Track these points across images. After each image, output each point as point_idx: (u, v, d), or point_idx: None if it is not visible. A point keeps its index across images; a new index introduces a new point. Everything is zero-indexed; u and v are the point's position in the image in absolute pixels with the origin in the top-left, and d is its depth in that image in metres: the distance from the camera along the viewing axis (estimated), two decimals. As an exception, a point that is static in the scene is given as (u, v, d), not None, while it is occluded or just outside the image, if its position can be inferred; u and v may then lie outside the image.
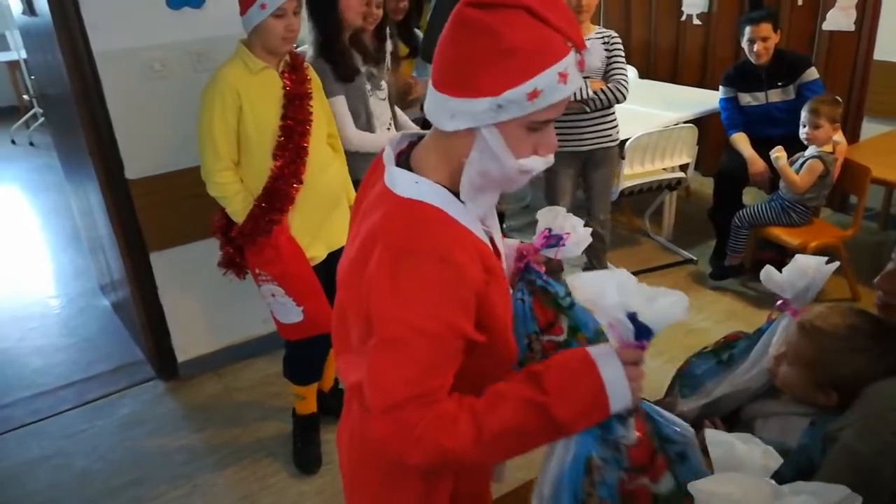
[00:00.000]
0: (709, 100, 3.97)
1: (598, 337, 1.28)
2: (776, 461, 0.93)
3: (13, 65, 7.09)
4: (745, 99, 3.52)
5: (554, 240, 1.30)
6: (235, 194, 2.17)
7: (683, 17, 4.80)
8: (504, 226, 4.13)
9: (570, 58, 0.92)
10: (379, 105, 2.60)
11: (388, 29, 2.88)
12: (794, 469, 1.25)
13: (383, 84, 2.64)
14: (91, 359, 3.24)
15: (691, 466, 0.97)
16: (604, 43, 3.07)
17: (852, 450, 1.11)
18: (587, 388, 0.94)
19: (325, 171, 2.28)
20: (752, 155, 3.44)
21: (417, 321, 0.93)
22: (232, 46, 2.17)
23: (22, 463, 2.63)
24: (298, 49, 2.43)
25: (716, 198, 3.68)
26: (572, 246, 1.34)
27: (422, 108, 3.19)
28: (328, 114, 2.36)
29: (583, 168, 3.26)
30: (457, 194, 1.02)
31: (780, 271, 1.39)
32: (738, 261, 3.50)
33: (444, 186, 1.02)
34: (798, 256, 1.38)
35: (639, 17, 5.10)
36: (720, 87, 3.64)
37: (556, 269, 3.31)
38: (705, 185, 4.45)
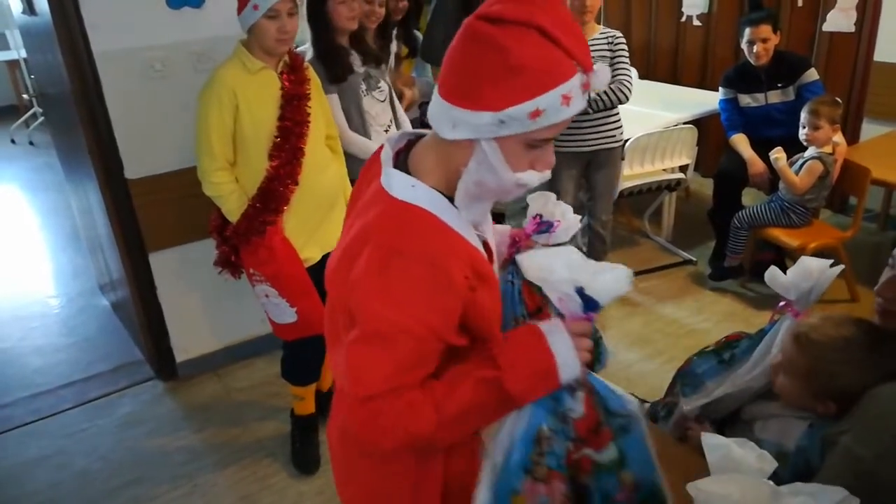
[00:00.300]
0: (709, 101, 3.97)
1: None
2: (771, 465, 0.93)
3: (13, 64, 7.10)
4: (745, 100, 3.52)
5: (545, 226, 1.32)
6: (230, 194, 2.17)
7: (683, 18, 4.80)
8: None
9: (576, 80, 0.93)
10: (375, 106, 2.59)
11: (395, 30, 2.88)
12: (793, 471, 1.25)
13: (382, 85, 2.63)
14: (91, 358, 3.24)
15: (634, 438, 1.02)
16: (608, 43, 3.08)
17: (852, 454, 1.11)
18: (537, 360, 0.98)
19: (323, 172, 2.28)
20: (751, 156, 3.44)
21: (401, 320, 0.95)
22: (232, 46, 2.17)
23: (22, 462, 2.63)
24: (299, 49, 2.43)
25: (715, 199, 3.68)
26: (561, 233, 1.37)
27: (420, 109, 3.20)
28: (327, 115, 2.36)
29: (585, 169, 3.26)
30: (452, 199, 1.03)
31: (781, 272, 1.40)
32: (738, 262, 3.50)
33: (440, 191, 1.03)
34: (803, 258, 1.39)
35: (639, 18, 5.11)
36: (720, 89, 3.64)
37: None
38: (705, 186, 4.46)
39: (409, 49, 3.31)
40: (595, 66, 0.96)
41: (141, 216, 2.72)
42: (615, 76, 3.04)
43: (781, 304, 1.43)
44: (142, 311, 2.91)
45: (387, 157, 1.08)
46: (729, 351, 1.53)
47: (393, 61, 2.86)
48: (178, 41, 2.60)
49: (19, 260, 4.43)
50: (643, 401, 1.59)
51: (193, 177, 2.21)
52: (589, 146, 3.15)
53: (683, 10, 4.77)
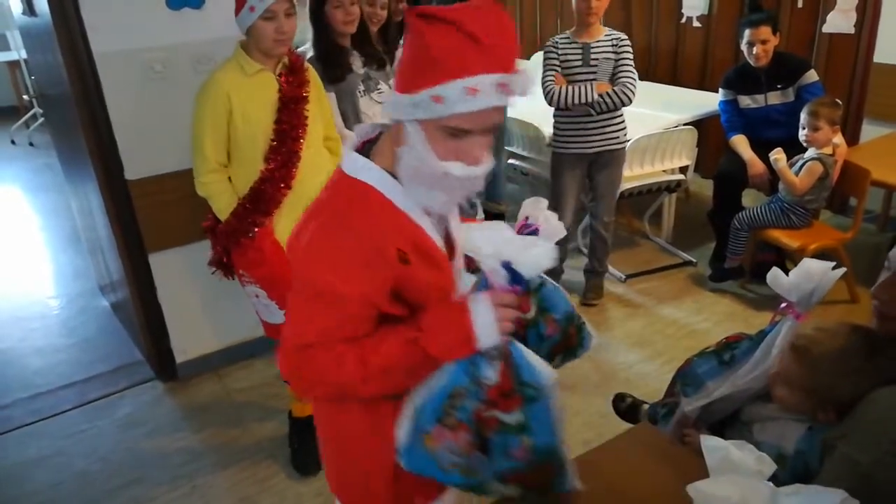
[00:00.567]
0: (708, 102, 3.97)
1: (568, 320, 1.35)
2: (770, 467, 0.94)
3: (13, 65, 7.10)
4: (745, 101, 3.52)
5: (530, 229, 1.34)
6: (220, 193, 2.17)
7: (683, 20, 4.80)
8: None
9: (486, 77, 0.99)
10: (374, 107, 2.60)
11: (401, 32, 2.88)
12: (791, 474, 1.25)
13: (382, 86, 2.63)
14: (91, 359, 3.24)
15: (540, 408, 1.11)
16: (612, 45, 3.08)
17: (851, 459, 1.11)
18: (457, 325, 1.07)
19: (318, 174, 2.24)
20: (751, 157, 3.44)
21: (337, 284, 1.07)
22: (232, 48, 2.17)
23: (21, 463, 2.63)
24: (299, 49, 2.43)
25: (715, 200, 3.68)
26: (544, 238, 1.37)
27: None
28: (327, 117, 2.36)
29: (589, 169, 3.27)
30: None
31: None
32: (738, 263, 3.49)
33: (390, 172, 1.13)
34: (805, 260, 1.38)
35: (639, 20, 5.11)
36: (720, 90, 3.64)
37: (556, 270, 3.33)
38: (705, 187, 4.46)
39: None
40: (518, 72, 1.03)
41: (141, 217, 2.72)
42: (619, 78, 3.04)
43: (783, 305, 1.43)
44: (142, 311, 2.91)
45: (350, 141, 1.20)
46: (729, 352, 1.53)
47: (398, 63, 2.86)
48: (178, 42, 2.60)
49: (19, 261, 4.43)
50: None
51: (193, 178, 2.21)
52: (593, 147, 3.15)
53: (683, 11, 4.78)
